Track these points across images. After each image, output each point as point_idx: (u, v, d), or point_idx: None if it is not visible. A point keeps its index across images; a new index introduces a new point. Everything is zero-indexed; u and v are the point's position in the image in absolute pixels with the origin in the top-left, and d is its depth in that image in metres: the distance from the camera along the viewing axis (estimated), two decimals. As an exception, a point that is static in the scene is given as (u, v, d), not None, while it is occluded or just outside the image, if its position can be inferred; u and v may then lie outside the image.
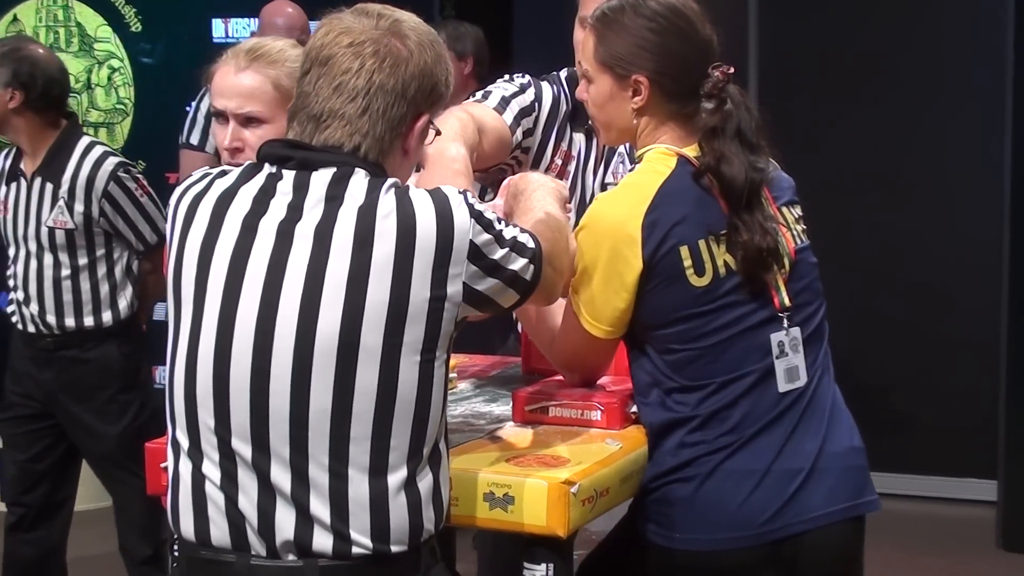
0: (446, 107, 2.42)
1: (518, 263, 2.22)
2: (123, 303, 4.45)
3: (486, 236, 2.17)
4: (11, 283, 4.43)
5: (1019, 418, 5.42)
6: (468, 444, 2.51)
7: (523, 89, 3.33)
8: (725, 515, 2.46)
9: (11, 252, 4.42)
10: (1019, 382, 5.42)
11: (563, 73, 3.41)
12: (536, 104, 3.34)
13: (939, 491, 6.02)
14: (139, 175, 4.40)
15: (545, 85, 3.41)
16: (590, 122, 2.86)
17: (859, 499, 2.56)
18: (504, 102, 3.25)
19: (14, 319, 4.43)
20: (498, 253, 2.19)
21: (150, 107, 6.35)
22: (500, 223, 2.22)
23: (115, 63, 6.44)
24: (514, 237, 2.23)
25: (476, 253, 2.15)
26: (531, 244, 2.26)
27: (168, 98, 5.58)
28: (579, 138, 3.40)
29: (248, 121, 2.73)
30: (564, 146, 3.41)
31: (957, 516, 5.86)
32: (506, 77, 3.41)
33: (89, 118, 6.47)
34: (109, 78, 6.45)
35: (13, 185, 4.38)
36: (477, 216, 2.16)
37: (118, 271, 4.43)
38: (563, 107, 3.39)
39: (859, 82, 6.07)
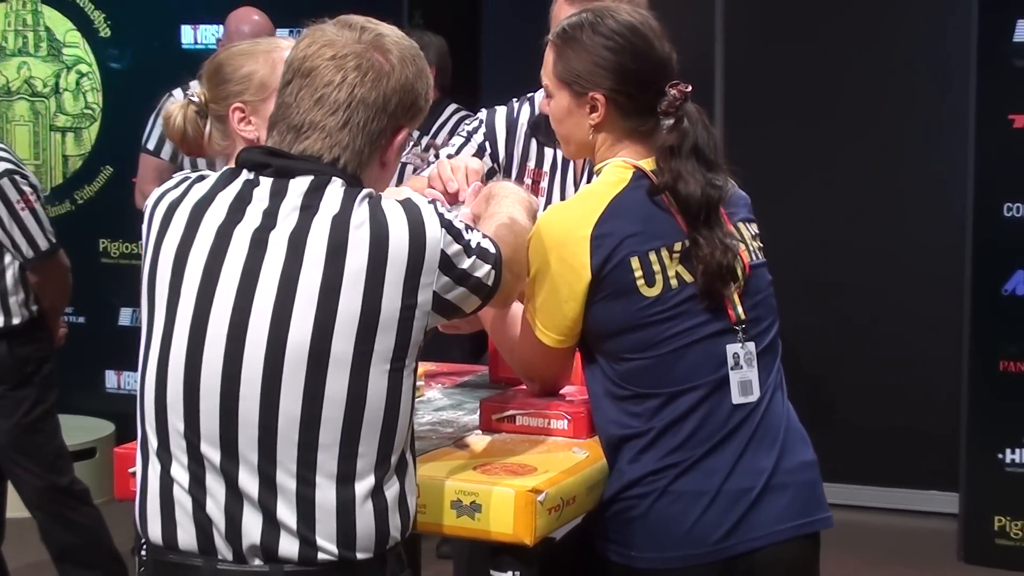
0: None
1: (482, 270, 2.24)
2: (15, 308, 4.46)
3: (456, 246, 2.18)
4: None
5: (981, 430, 5.44)
6: (435, 452, 2.52)
7: (469, 137, 3.39)
8: (678, 534, 2.47)
9: None
10: (981, 395, 5.44)
11: (539, 92, 3.42)
12: (487, 143, 3.39)
13: (901, 503, 6.03)
14: (27, 187, 4.40)
15: (499, 112, 3.44)
16: None
17: (812, 516, 2.57)
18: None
19: None
20: (466, 262, 2.20)
21: (118, 112, 6.33)
22: (468, 231, 2.24)
23: (84, 68, 6.42)
24: (479, 244, 2.25)
25: (447, 263, 2.17)
26: (492, 250, 2.28)
27: (136, 104, 5.55)
28: (551, 152, 3.41)
29: None
30: (531, 165, 3.42)
31: (919, 528, 5.87)
32: (460, 129, 3.47)
33: (56, 122, 6.46)
34: (77, 83, 6.43)
35: None
36: (447, 226, 2.18)
37: (9, 277, 4.44)
38: (522, 128, 3.41)
39: (824, 99, 6.10)
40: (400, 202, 2.17)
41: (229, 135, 2.84)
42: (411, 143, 2.31)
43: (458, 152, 3.37)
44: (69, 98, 6.44)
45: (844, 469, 5.57)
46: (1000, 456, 5.39)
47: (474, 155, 3.37)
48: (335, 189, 2.15)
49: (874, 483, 6.02)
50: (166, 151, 5.08)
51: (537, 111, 3.41)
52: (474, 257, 2.22)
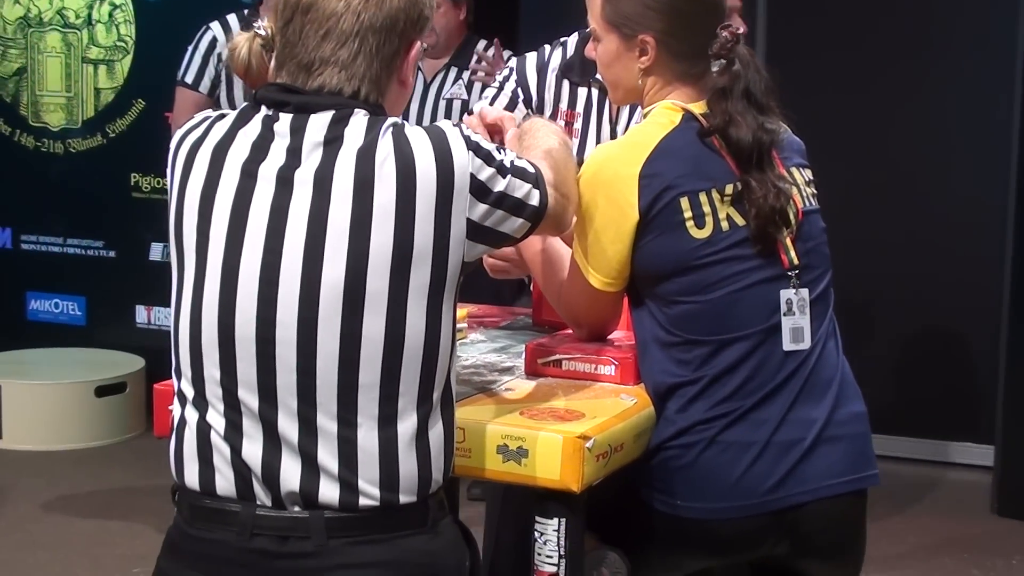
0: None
1: (522, 189, 2.19)
2: None
3: (488, 169, 2.13)
4: None
5: (1017, 384, 5.40)
6: (479, 396, 2.48)
7: (501, 86, 3.44)
8: (726, 485, 2.43)
9: None
10: (1019, 348, 5.41)
11: (572, 37, 3.40)
12: (519, 89, 3.40)
13: (936, 455, 6.02)
14: None
15: (529, 59, 3.45)
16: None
17: (861, 472, 2.54)
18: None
19: None
20: (501, 184, 2.15)
21: (151, 45, 6.27)
22: (499, 152, 2.18)
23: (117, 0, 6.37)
24: (512, 162, 2.19)
25: (479, 188, 2.12)
26: (530, 168, 2.23)
27: (169, 36, 5.51)
28: (585, 92, 3.39)
29: None
30: (563, 106, 3.42)
31: (954, 480, 5.85)
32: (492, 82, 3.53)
33: (89, 55, 6.41)
34: (110, 14, 6.36)
35: None
36: (475, 148, 2.13)
37: None
38: (553, 72, 3.40)
39: (868, 50, 6.01)
40: (425, 129, 2.12)
41: None
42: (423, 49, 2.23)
43: (492, 102, 3.37)
44: (102, 30, 6.38)
45: (880, 420, 5.47)
46: (1037, 409, 5.35)
47: (507, 105, 3.39)
48: (358, 120, 2.10)
49: (908, 434, 5.99)
50: (204, 84, 5.03)
51: (570, 55, 3.39)
52: (510, 176, 2.17)
